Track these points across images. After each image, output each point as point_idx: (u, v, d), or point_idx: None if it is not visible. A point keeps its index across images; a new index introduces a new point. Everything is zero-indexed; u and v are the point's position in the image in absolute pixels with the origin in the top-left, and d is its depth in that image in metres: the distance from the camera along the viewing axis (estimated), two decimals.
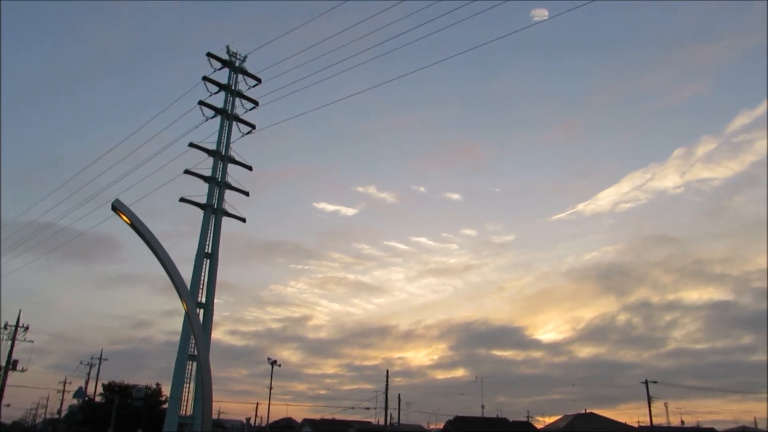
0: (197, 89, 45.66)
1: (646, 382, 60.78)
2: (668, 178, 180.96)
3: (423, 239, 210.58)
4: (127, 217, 13.04)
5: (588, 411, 76.22)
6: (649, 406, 60.15)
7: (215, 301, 41.84)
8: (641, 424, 78.09)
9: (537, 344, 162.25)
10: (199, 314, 40.75)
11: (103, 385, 64.41)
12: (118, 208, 12.86)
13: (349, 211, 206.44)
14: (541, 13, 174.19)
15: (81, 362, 75.88)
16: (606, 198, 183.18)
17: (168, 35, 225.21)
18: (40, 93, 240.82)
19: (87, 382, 71.26)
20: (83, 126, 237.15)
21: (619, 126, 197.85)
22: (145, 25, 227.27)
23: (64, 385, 75.24)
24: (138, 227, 13.01)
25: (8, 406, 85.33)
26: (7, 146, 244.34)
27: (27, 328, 52.62)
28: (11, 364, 50.47)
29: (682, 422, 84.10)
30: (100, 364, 67.94)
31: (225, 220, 42.79)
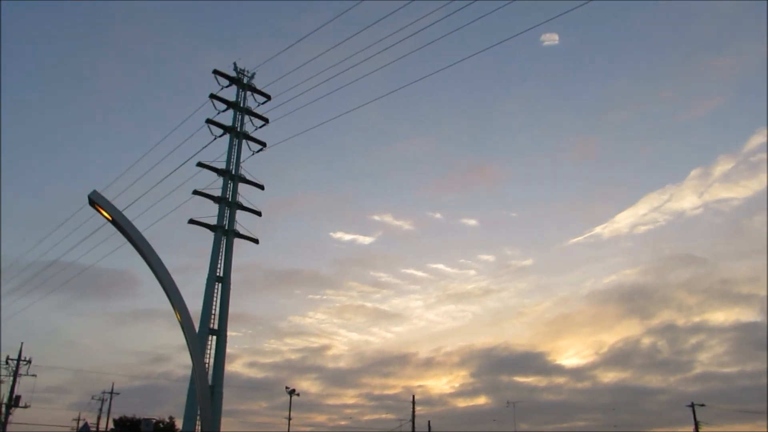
0: (204, 109, 44.20)
1: (692, 405, 57.27)
2: (686, 199, 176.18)
3: (441, 266, 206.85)
4: (106, 213, 10.94)
5: None
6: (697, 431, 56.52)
7: (231, 333, 39.80)
8: None
9: (560, 369, 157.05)
10: (211, 342, 38.82)
11: (114, 421, 62.57)
12: (96, 201, 10.77)
13: (366, 240, 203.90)
14: (551, 38, 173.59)
15: (93, 397, 73.95)
16: (623, 220, 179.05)
17: (172, 54, 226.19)
18: (43, 130, 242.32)
19: (99, 418, 69.26)
20: (92, 157, 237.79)
21: (635, 145, 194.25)
22: (146, 46, 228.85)
23: (78, 422, 73.09)
24: (120, 222, 10.92)
25: None
26: (19, 189, 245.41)
27: (30, 362, 51.10)
28: (13, 400, 48.66)
29: None
30: (111, 398, 65.99)
31: (240, 251, 40.91)
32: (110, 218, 11.30)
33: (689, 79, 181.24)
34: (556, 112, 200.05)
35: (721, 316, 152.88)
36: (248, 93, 44.21)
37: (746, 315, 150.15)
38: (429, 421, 63.19)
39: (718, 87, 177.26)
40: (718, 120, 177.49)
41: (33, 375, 52.47)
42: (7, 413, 49.16)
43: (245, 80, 44.09)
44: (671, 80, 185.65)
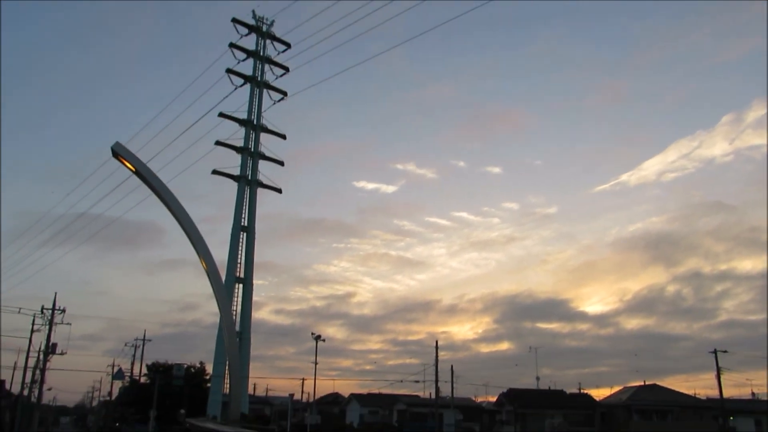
0: (224, 58, 44.01)
1: (715, 352, 57.28)
2: (717, 146, 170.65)
3: (464, 214, 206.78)
4: (130, 164, 11.11)
5: (649, 382, 73.15)
6: (719, 377, 56.51)
7: (257, 281, 40.60)
8: (698, 396, 75.14)
9: (583, 316, 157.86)
10: (238, 290, 39.66)
11: (147, 366, 64.62)
12: (119, 153, 10.92)
13: (389, 188, 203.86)
14: None
15: (126, 344, 76.55)
16: (651, 168, 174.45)
17: (190, 2, 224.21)
18: (69, 89, 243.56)
19: (132, 364, 71.62)
20: (116, 109, 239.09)
21: (664, 89, 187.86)
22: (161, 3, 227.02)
23: (113, 368, 75.85)
24: (143, 173, 11.09)
25: (49, 389, 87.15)
26: (50, 144, 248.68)
27: (64, 311, 53.22)
28: (51, 348, 50.96)
29: (753, 394, 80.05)
30: (143, 345, 68.13)
31: (264, 201, 41.41)
32: (134, 169, 11.49)
33: (724, 19, 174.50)
34: (583, 54, 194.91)
35: (749, 264, 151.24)
36: (268, 41, 43.80)
37: None
38: (452, 366, 64.27)
39: (755, 26, 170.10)
40: (753, 62, 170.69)
41: (68, 323, 54.71)
42: (45, 360, 51.41)
43: (264, 28, 43.61)
44: (705, 19, 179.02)
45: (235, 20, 42.37)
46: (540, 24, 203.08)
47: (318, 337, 56.55)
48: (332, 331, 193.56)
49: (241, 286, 39.55)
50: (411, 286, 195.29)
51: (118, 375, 64.15)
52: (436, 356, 60.50)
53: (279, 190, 42.80)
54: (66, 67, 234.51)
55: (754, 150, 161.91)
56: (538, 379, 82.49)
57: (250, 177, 41.27)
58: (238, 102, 44.77)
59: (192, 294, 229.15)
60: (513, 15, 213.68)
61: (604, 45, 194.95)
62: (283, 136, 43.35)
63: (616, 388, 77.96)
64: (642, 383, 74.09)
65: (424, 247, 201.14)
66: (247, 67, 42.71)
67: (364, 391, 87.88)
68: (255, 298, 40.39)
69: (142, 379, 65.46)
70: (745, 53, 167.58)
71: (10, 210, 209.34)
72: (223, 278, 30.13)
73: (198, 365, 64.21)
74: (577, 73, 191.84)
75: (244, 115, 41.55)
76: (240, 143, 41.32)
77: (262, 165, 42.32)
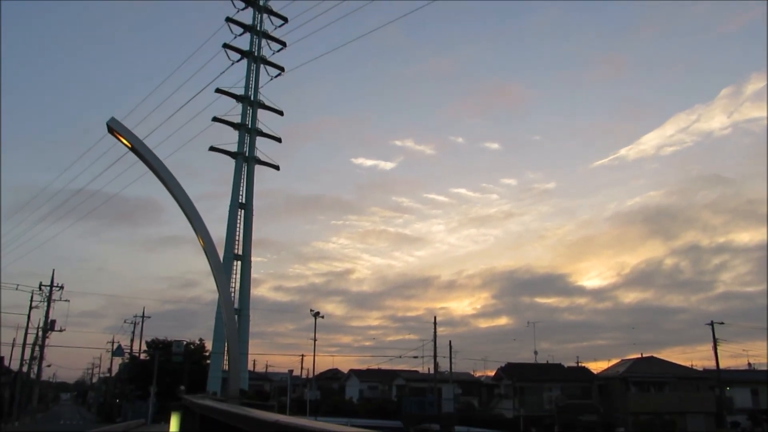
0: (221, 33, 43.51)
1: (712, 324, 57.83)
2: (715, 119, 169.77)
3: (462, 190, 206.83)
4: (126, 140, 10.88)
5: (647, 355, 73.65)
6: (716, 349, 57.27)
7: (256, 258, 40.51)
8: (695, 368, 75.83)
9: (581, 291, 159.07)
10: (236, 267, 39.57)
11: (147, 343, 64.77)
12: (114, 128, 10.69)
13: (388, 165, 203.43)
14: None
15: (125, 321, 76.77)
16: (649, 142, 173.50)
17: None
18: (61, 60, 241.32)
19: (132, 341, 71.93)
20: (111, 89, 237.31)
21: (664, 63, 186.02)
22: None
23: (112, 345, 76.14)
24: (139, 149, 10.86)
25: (49, 366, 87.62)
26: (44, 118, 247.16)
27: (62, 287, 53.16)
28: (49, 325, 51.06)
29: (750, 364, 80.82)
30: (143, 322, 68.21)
31: (262, 178, 41.25)
32: (129, 146, 11.25)
33: None
34: (582, 28, 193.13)
35: (746, 237, 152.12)
36: (264, 16, 43.20)
37: None
38: (450, 341, 64.72)
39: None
40: (752, 34, 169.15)
41: (66, 300, 54.75)
42: (44, 337, 51.59)
43: (261, 2, 42.97)
44: None
45: None
46: None
47: (317, 314, 56.69)
48: (331, 308, 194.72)
49: (239, 263, 39.46)
50: (409, 262, 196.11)
51: (118, 352, 64.45)
52: (435, 332, 60.86)
53: (277, 167, 42.55)
54: (62, 41, 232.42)
55: (753, 123, 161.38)
56: (536, 353, 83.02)
57: (247, 154, 40.95)
58: (236, 77, 44.47)
59: (191, 271, 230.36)
60: None
61: (604, 18, 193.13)
62: (281, 113, 42.95)
63: (614, 361, 78.63)
64: (639, 356, 74.59)
65: (423, 223, 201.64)
66: (244, 42, 42.19)
67: (363, 366, 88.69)
68: (254, 275, 40.43)
69: (142, 356, 65.69)
70: (744, 25, 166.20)
71: (7, 185, 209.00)
72: (222, 255, 30.07)
73: (197, 342, 64.43)
74: (576, 47, 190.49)
75: (241, 91, 41.12)
76: (237, 119, 40.93)
77: (260, 141, 42.01)
